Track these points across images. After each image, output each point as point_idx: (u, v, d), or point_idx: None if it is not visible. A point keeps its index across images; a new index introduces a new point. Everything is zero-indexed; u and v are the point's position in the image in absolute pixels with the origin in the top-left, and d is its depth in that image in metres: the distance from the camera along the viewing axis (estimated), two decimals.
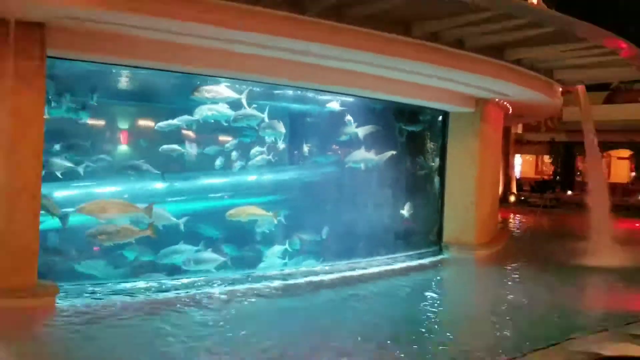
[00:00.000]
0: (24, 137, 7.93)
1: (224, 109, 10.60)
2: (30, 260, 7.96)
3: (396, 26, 9.44)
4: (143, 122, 11.17)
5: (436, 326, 8.57)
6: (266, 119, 11.01)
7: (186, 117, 10.48)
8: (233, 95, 10.62)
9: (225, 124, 10.73)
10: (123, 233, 9.26)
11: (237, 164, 11.26)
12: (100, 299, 8.68)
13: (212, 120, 10.65)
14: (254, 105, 10.87)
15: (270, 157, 11.42)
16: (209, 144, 11.17)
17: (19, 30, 7.61)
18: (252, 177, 11.72)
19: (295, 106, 11.93)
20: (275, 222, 10.90)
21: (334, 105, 12.13)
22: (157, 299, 8.95)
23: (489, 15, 8.99)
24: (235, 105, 10.70)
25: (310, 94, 11.85)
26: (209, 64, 9.49)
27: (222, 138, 11.33)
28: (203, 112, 10.46)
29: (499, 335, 7.95)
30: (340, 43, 9.00)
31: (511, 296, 10.49)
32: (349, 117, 12.32)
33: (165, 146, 10.44)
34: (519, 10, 9.20)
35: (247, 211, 10.64)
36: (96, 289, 8.93)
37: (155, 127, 10.45)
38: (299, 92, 11.79)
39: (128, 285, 9.26)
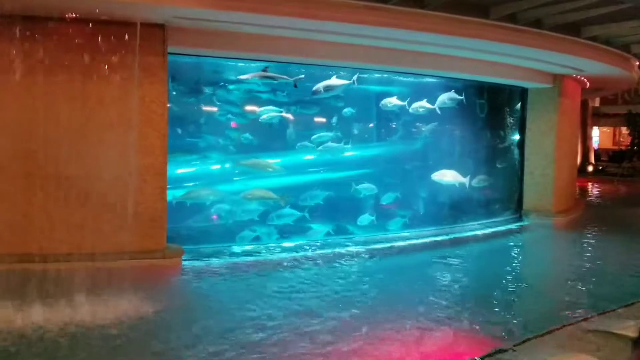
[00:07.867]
0: (150, 122, 8.03)
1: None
2: (160, 227, 8.13)
3: (474, 10, 8.87)
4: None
5: (523, 282, 8.41)
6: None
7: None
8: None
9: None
10: None
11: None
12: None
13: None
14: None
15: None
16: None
17: (144, 30, 7.63)
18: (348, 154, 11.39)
19: (383, 88, 11.51)
20: (283, 204, 10.08)
21: (417, 86, 11.65)
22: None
23: None
24: None
25: (401, 78, 11.38)
26: (303, 53, 9.34)
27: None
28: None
29: (573, 293, 7.56)
30: (422, 28, 8.53)
31: (588, 257, 9.87)
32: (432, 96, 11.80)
33: None
34: None
35: (257, 194, 9.80)
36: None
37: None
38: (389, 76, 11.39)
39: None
